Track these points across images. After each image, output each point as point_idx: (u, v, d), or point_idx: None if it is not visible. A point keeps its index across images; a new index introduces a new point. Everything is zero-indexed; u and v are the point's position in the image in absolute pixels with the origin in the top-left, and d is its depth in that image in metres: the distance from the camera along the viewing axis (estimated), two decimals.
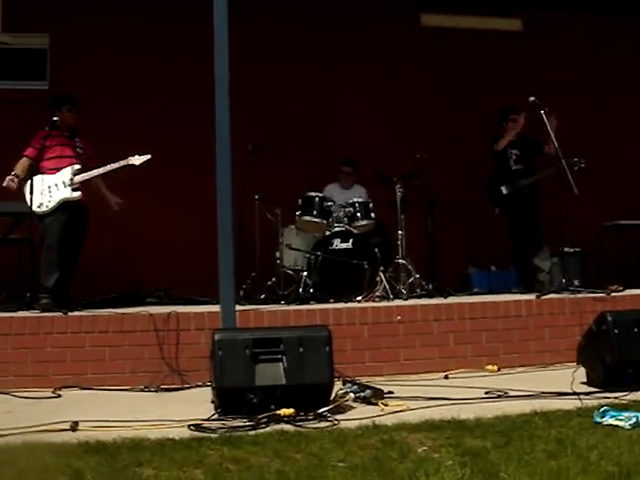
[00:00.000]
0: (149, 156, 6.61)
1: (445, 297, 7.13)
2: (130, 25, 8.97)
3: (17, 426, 3.99)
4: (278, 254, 7.75)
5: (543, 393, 4.74)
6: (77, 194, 6.66)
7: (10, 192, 6.60)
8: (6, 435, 3.87)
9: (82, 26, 8.86)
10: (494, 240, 8.06)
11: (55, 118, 6.71)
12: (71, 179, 6.64)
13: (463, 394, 4.80)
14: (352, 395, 4.67)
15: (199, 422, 4.12)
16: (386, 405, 4.53)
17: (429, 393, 4.84)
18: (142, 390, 5.38)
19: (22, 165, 6.75)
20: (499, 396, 4.76)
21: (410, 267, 7.57)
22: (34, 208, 6.50)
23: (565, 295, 6.64)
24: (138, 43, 8.96)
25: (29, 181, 6.50)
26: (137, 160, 6.62)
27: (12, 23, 8.70)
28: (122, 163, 6.65)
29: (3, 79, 9.06)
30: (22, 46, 9.13)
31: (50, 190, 6.61)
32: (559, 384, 4.99)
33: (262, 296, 7.32)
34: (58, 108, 6.84)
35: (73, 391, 5.38)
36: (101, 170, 6.72)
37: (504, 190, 7.79)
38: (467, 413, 4.18)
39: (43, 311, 6.03)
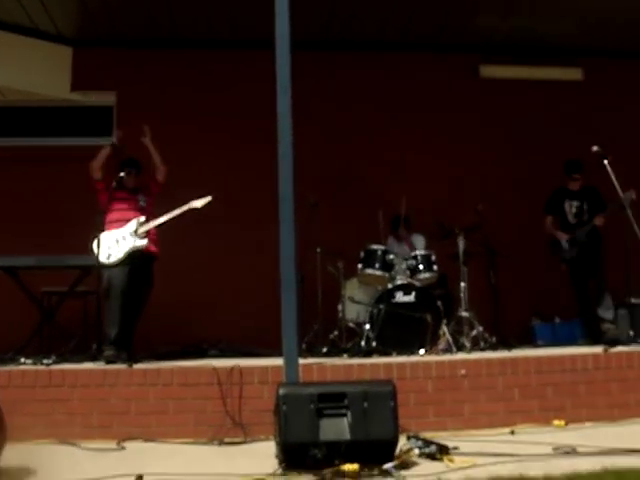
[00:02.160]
0: (210, 198, 6.79)
1: (509, 350, 7.03)
2: (194, 81, 9.22)
3: (84, 478, 4.04)
4: (340, 307, 7.76)
5: (613, 449, 4.58)
6: (143, 242, 6.85)
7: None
8: None
9: (147, 83, 9.13)
10: (558, 291, 7.97)
11: (122, 174, 6.94)
12: (136, 229, 6.84)
13: (530, 450, 4.67)
14: (417, 451, 4.60)
15: (263, 477, 4.10)
16: (452, 461, 4.44)
17: (495, 449, 4.71)
18: (205, 443, 5.35)
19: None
20: (568, 452, 4.60)
21: (473, 320, 7.48)
22: (103, 260, 6.66)
23: (634, 348, 6.47)
24: (203, 98, 9.21)
25: (96, 237, 6.65)
26: (199, 202, 6.80)
27: (81, 82, 9.07)
28: (184, 208, 6.83)
29: (71, 135, 9.38)
30: (90, 104, 9.47)
31: (118, 242, 6.80)
32: (630, 440, 4.83)
33: (324, 349, 7.30)
34: (121, 169, 7.05)
35: (137, 443, 5.36)
36: (165, 217, 6.89)
37: (564, 246, 7.78)
38: (535, 470, 4.06)
39: (107, 362, 6.11)
